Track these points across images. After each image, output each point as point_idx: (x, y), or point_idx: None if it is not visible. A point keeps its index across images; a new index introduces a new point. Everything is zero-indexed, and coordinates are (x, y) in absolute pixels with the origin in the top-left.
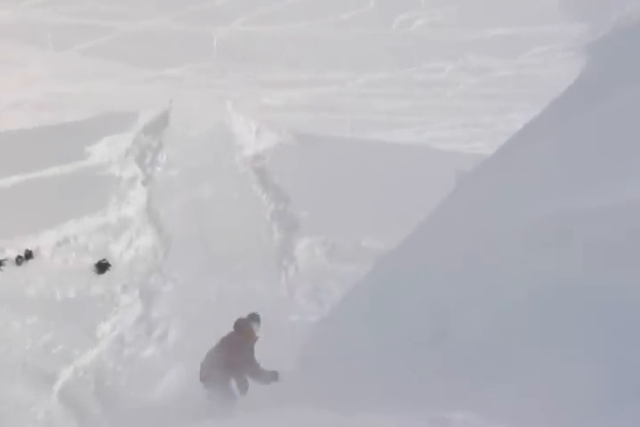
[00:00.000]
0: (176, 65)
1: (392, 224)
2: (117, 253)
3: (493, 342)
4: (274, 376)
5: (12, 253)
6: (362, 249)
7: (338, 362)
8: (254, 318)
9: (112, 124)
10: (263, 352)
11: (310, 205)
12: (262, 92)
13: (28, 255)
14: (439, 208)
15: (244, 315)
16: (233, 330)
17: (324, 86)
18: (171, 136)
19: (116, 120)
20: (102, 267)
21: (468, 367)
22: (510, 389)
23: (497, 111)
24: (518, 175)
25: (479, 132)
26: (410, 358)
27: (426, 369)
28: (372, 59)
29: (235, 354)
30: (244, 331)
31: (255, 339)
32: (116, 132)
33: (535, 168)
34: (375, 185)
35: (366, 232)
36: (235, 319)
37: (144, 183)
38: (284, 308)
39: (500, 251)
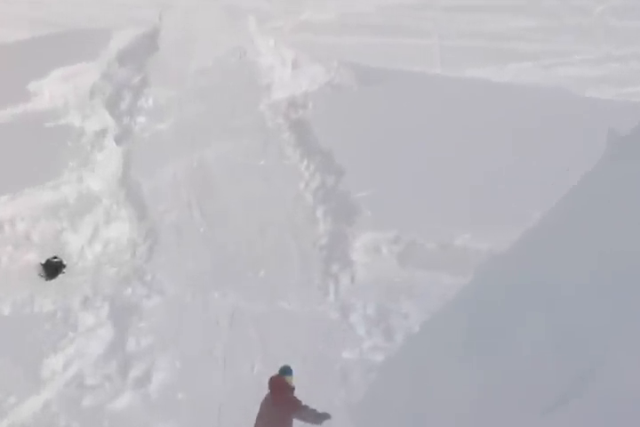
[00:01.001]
0: None
1: (502, 214)
2: (76, 247)
3: None
4: (325, 416)
5: None
6: (454, 251)
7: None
8: (285, 371)
9: (70, 47)
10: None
11: (375, 180)
12: (303, 1)
13: None
14: (579, 191)
15: (275, 372)
16: (269, 391)
17: None
18: (160, 69)
19: (75, 42)
20: (53, 268)
21: None
22: None
23: None
24: None
25: None
26: (526, 422)
27: None
28: None
29: (282, 414)
30: (281, 389)
31: (292, 389)
32: (77, 61)
33: None
34: (477, 151)
35: (461, 225)
36: (268, 379)
37: (118, 141)
38: (333, 339)
39: None
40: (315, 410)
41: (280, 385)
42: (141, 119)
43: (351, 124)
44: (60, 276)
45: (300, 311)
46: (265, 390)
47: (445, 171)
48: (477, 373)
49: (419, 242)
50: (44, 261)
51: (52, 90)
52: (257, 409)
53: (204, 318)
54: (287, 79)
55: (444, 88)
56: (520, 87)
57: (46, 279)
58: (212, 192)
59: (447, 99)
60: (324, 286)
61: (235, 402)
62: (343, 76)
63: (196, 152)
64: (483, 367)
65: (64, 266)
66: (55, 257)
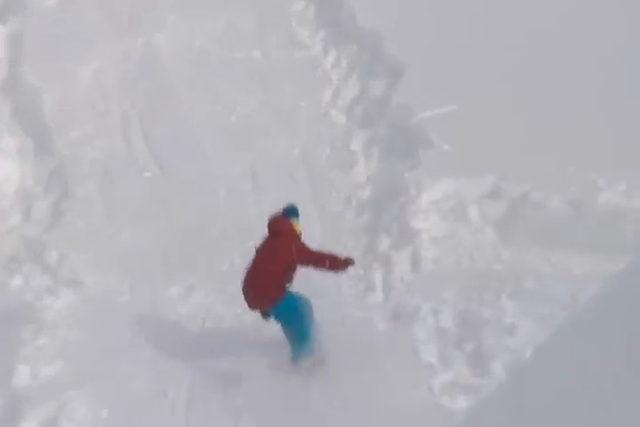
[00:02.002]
0: None
1: None
2: None
3: None
4: (348, 261)
5: None
6: (597, 215)
7: None
8: (290, 212)
9: None
10: None
11: (457, 86)
12: None
13: None
14: None
15: (278, 210)
16: (267, 235)
17: None
18: None
19: None
20: None
21: None
22: None
23: None
24: None
25: None
26: None
27: None
28: None
29: (281, 259)
30: (282, 231)
31: (299, 234)
32: None
33: None
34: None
35: (610, 168)
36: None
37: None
38: (381, 369)
39: None
40: (333, 254)
41: (282, 227)
42: None
43: None
44: None
45: (321, 320)
46: None
47: (581, 70)
48: None
49: (534, 198)
50: None
51: None
52: None
53: (151, 332)
54: None
55: None
56: None
57: None
58: (167, 106)
59: None
60: (366, 275)
61: None
62: None
63: (139, 35)
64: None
65: None
66: None
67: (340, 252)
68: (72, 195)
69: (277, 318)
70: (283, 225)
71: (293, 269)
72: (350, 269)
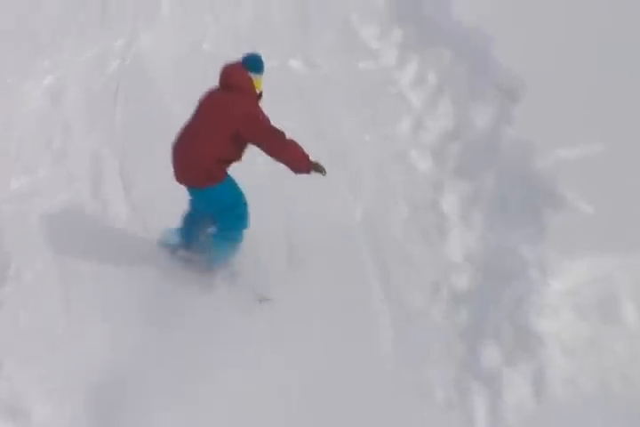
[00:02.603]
0: None
1: None
2: None
3: None
4: (318, 166)
5: None
6: None
7: None
8: (252, 63)
9: None
10: None
11: (601, 121)
12: None
13: None
14: None
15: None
16: (217, 86)
17: None
18: None
19: None
20: None
21: None
22: None
23: None
24: None
25: None
26: None
27: None
28: None
29: (228, 119)
30: (238, 85)
31: (258, 96)
32: None
33: None
34: None
35: None
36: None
37: None
38: None
39: None
40: (298, 144)
41: (239, 80)
42: None
43: None
44: None
45: None
46: None
47: None
48: None
49: None
50: None
51: None
52: None
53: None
54: None
55: None
56: None
57: None
58: (158, 141)
59: None
60: (463, 401)
61: None
62: None
63: (119, 32)
64: None
65: None
66: None
67: (424, 365)
68: (13, 277)
69: (200, 204)
70: (239, 77)
71: (241, 143)
72: (314, 175)
